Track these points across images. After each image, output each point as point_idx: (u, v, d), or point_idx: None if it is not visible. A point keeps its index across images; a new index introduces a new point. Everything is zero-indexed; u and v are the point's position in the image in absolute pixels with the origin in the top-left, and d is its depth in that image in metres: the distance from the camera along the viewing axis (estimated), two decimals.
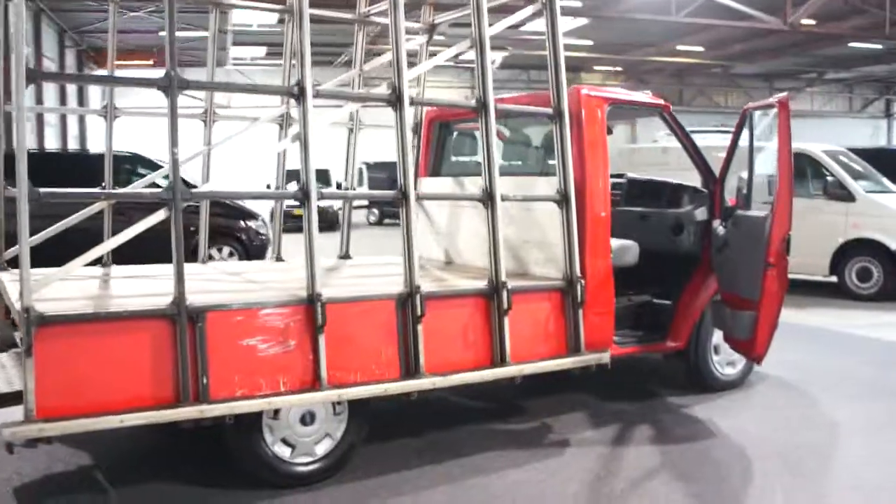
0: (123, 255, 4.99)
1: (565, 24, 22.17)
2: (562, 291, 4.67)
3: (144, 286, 4.69)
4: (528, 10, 5.02)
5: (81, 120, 25.05)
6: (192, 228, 10.73)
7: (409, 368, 4.08)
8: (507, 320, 4.36)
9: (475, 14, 4.53)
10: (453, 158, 6.47)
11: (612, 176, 6.49)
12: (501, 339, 4.35)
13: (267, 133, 6.32)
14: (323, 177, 21.43)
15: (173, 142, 3.61)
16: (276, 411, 3.92)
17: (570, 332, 4.68)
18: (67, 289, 4.10)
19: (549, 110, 4.74)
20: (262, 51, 27.79)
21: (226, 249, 10.99)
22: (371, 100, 4.90)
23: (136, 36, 22.09)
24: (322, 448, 4.07)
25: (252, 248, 11.04)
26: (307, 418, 4.00)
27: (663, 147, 13.41)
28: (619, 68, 31.48)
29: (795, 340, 7.62)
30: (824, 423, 5.16)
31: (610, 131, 5.91)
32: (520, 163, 5.86)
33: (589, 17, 19.46)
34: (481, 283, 4.43)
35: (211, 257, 10.31)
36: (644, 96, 5.88)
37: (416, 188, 6.24)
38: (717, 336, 5.60)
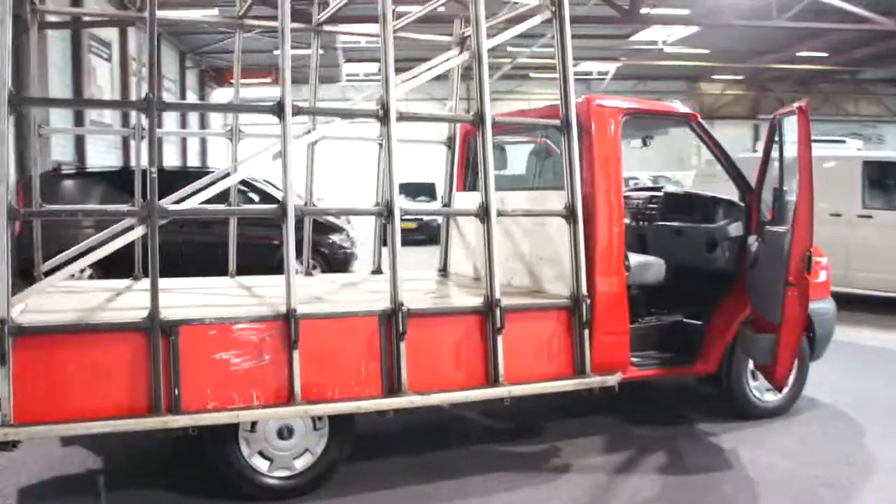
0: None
1: (676, 32, 21.54)
2: (568, 310, 4.50)
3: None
4: (537, 18, 4.89)
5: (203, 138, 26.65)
6: (275, 242, 11.34)
7: (392, 386, 4.05)
8: (500, 339, 4.24)
9: (474, 26, 4.46)
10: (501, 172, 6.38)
11: (650, 189, 6.27)
12: (495, 359, 4.24)
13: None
14: (428, 190, 21.79)
15: (151, 161, 3.76)
16: (254, 424, 3.98)
17: (576, 352, 4.50)
18: (63, 301, 4.35)
19: (557, 122, 4.60)
20: (375, 67, 28.66)
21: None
22: (358, 115, 4.91)
23: (252, 55, 23.31)
24: (301, 463, 4.08)
25: (334, 262, 11.31)
26: (285, 432, 4.03)
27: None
28: (739, 77, 30.12)
29: (864, 364, 7.05)
30: (860, 460, 4.64)
31: (645, 143, 5.69)
32: (542, 177, 5.70)
33: (685, 24, 18.66)
34: (475, 301, 4.34)
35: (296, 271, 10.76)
36: (668, 105, 5.57)
37: (449, 203, 6.41)
38: None
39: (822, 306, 5.56)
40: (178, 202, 4.70)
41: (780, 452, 4.69)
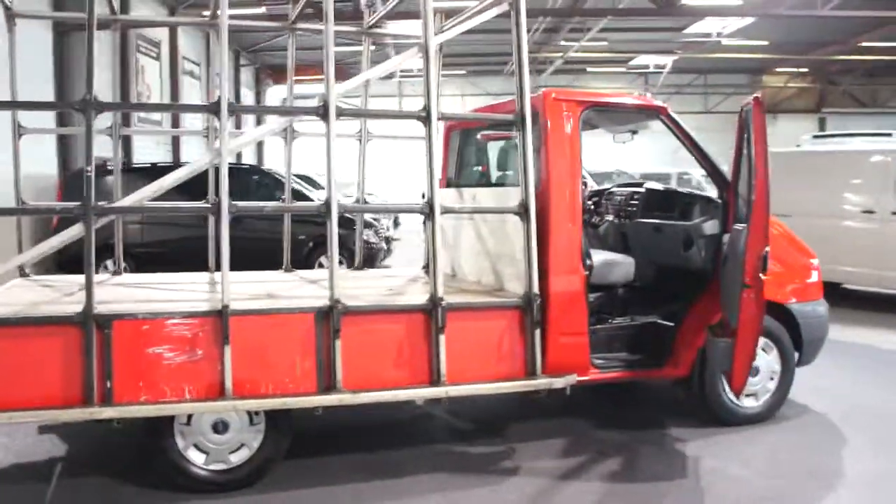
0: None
1: (731, 23, 20.85)
2: (520, 310, 4.40)
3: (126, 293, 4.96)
4: (494, 11, 4.79)
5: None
6: (301, 237, 11.50)
7: (327, 383, 4.04)
8: (442, 338, 4.18)
9: (423, 21, 4.41)
10: (474, 169, 6.31)
11: (631, 185, 6.08)
12: (437, 358, 4.19)
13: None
14: None
15: (87, 161, 3.86)
16: (189, 417, 4.04)
17: (528, 353, 4.40)
18: (23, 294, 4.50)
19: (510, 117, 4.51)
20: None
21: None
22: (299, 112, 4.90)
23: (306, 53, 23.70)
24: (238, 457, 4.11)
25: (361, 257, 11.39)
26: (220, 426, 4.07)
27: (808, 151, 11.92)
28: (803, 69, 28.97)
29: (876, 370, 6.81)
30: (826, 473, 4.37)
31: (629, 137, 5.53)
32: (507, 173, 5.59)
33: (725, 15, 18.01)
34: (419, 300, 4.30)
35: (321, 265, 10.90)
36: (636, 98, 5.37)
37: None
38: None
39: (810, 308, 5.30)
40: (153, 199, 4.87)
41: (743, 461, 4.48)
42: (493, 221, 5.04)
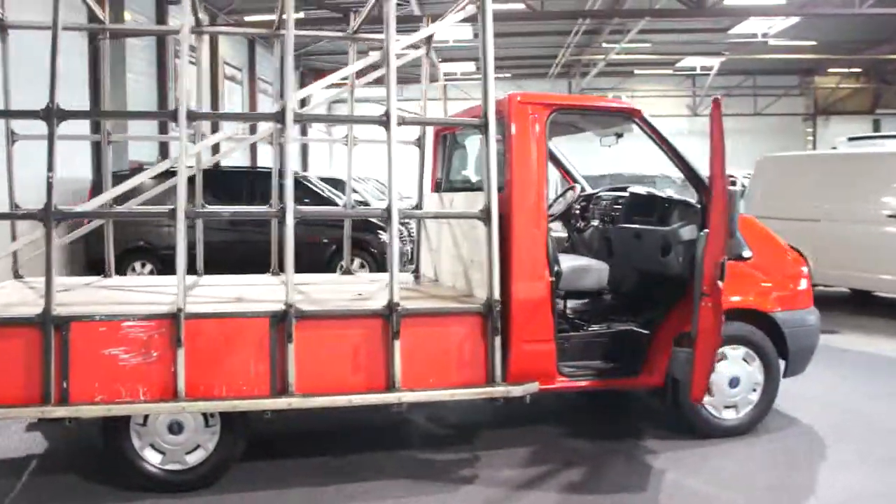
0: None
1: (777, 24, 20.32)
2: (482, 316, 4.37)
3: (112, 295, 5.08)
4: (460, 14, 4.77)
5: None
6: (324, 241, 11.57)
7: (280, 387, 4.07)
8: (397, 344, 4.18)
9: (386, 27, 4.42)
10: (462, 173, 6.28)
11: (617, 189, 5.96)
12: (392, 363, 4.18)
13: None
14: None
15: (49, 167, 3.98)
16: (146, 418, 4.12)
17: (489, 360, 4.36)
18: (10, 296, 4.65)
19: (476, 120, 4.49)
20: (471, 66, 28.82)
21: (357, 261, 11.51)
22: (258, 119, 4.94)
23: (345, 57, 24.00)
24: (194, 458, 4.17)
25: (383, 260, 11.46)
26: (175, 427, 4.13)
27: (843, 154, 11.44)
28: (856, 69, 28.02)
29: (885, 380, 6.44)
30: (792, 490, 4.21)
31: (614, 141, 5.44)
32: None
33: (776, 16, 17.52)
34: (375, 305, 4.30)
35: (341, 268, 10.99)
36: (609, 100, 5.27)
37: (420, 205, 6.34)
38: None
39: (797, 317, 5.12)
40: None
41: (710, 476, 4.35)
42: (466, 227, 5.00)
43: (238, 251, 9.96)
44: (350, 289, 5.31)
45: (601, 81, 29.65)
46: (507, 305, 4.42)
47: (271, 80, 24.69)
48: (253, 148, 19.89)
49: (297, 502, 4.08)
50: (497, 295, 4.33)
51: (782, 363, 5.10)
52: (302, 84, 29.27)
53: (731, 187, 4.63)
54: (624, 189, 5.79)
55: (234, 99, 20.82)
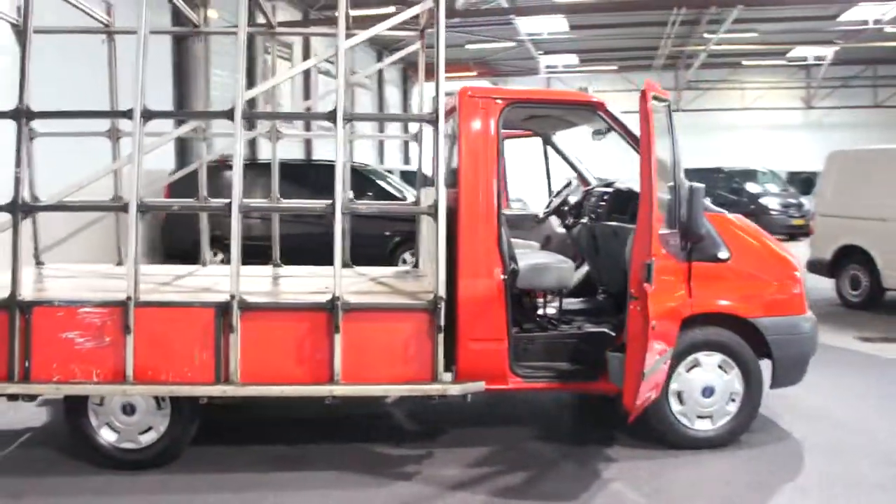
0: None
1: (891, 10, 18.81)
2: (428, 312, 4.35)
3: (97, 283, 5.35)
4: (416, 8, 4.75)
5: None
6: (387, 234, 11.74)
7: (224, 375, 4.22)
8: (338, 337, 4.24)
9: (340, 25, 4.47)
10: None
11: (607, 185, 5.75)
12: (332, 356, 4.25)
13: None
14: None
15: (16, 162, 4.29)
16: (102, 398, 4.36)
17: (435, 357, 4.35)
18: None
19: (426, 115, 4.48)
20: (573, 58, 28.45)
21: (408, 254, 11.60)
22: (211, 117, 5.04)
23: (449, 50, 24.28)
24: (146, 438, 4.39)
25: None
26: (128, 409, 4.36)
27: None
28: None
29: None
30: None
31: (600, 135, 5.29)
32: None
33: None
34: (320, 299, 4.36)
35: (404, 261, 11.15)
36: (570, 93, 5.04)
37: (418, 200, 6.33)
38: (680, 380, 4.65)
39: (784, 323, 4.78)
40: None
41: (654, 490, 4.14)
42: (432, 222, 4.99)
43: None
44: (324, 283, 5.39)
45: (708, 73, 28.47)
46: (454, 303, 4.39)
47: (370, 75, 25.20)
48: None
49: (234, 485, 4.22)
50: (442, 292, 4.30)
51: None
52: (404, 79, 29.85)
53: (697, 184, 4.44)
54: (609, 185, 5.58)
55: (329, 94, 21.40)
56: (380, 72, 26.33)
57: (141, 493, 4.14)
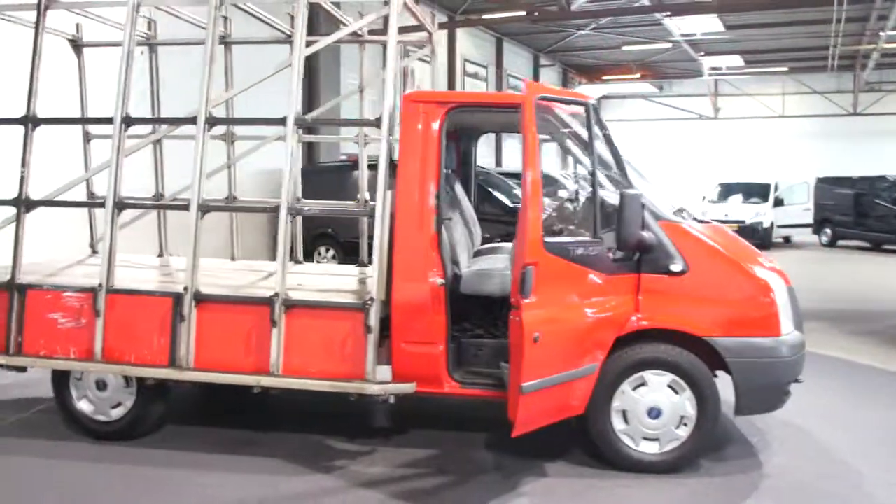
0: None
1: None
2: (364, 312, 4.48)
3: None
4: (372, 15, 4.87)
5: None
6: (486, 235, 11.87)
7: (177, 361, 4.60)
8: (275, 331, 4.48)
9: (297, 29, 4.71)
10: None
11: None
12: (270, 349, 4.50)
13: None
14: (762, 191, 20.65)
15: (22, 163, 4.93)
16: (81, 373, 4.89)
17: (368, 357, 4.47)
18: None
19: (373, 120, 4.61)
20: (738, 59, 27.13)
21: None
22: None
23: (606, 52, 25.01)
24: (117, 413, 4.87)
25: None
26: (101, 384, 4.86)
27: None
28: None
29: None
30: None
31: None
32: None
33: None
34: (265, 293, 4.61)
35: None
36: (510, 97, 4.87)
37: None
38: (624, 399, 4.44)
39: (749, 345, 4.40)
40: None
41: None
42: None
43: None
44: (299, 280, 5.57)
45: (890, 74, 25.91)
46: (388, 305, 4.49)
47: (523, 76, 25.32)
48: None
49: (182, 462, 4.59)
50: (375, 293, 4.41)
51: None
52: (564, 81, 29.70)
53: (632, 191, 4.25)
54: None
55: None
56: (536, 75, 26.59)
57: (128, 464, 4.59)
